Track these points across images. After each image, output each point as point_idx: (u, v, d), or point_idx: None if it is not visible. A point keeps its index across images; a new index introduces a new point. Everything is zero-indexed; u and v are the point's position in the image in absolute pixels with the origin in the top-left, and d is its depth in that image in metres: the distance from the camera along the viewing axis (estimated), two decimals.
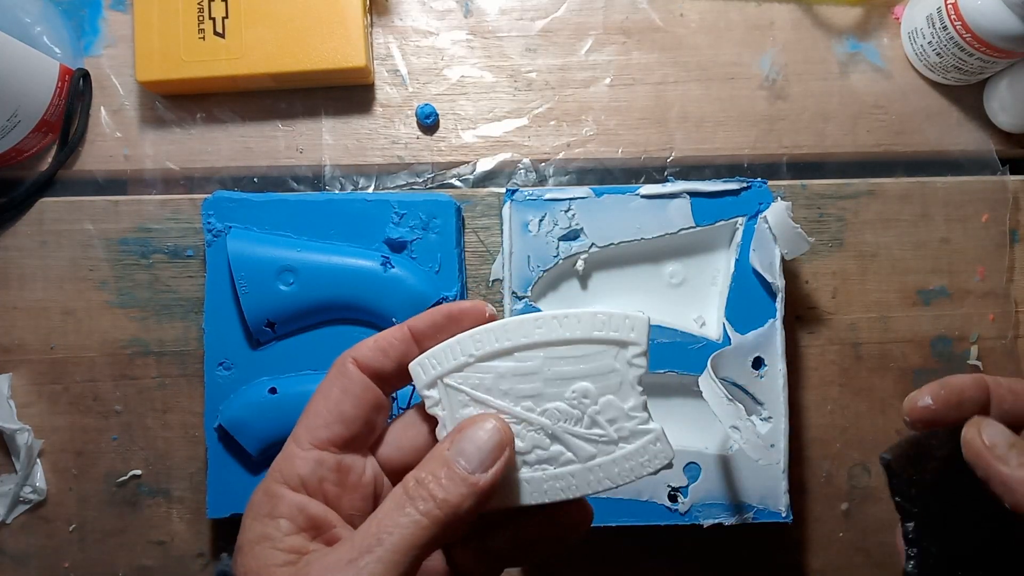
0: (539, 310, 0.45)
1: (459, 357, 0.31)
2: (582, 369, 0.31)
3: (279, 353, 0.45)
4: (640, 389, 0.31)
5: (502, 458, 0.29)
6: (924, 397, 0.31)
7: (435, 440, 0.32)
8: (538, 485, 0.31)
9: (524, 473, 0.31)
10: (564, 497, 0.31)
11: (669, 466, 0.31)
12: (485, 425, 0.30)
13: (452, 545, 0.33)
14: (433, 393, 0.32)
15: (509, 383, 0.31)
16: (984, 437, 0.30)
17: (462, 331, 0.32)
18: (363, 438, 0.32)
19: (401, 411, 0.35)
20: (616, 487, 0.31)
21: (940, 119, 0.50)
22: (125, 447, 0.47)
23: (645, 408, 0.31)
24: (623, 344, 0.31)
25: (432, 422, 0.32)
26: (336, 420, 0.31)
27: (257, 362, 0.45)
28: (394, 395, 0.34)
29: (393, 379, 0.32)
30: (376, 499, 0.32)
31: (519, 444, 0.31)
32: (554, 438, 0.31)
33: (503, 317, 0.45)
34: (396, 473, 0.33)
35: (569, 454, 0.31)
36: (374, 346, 0.32)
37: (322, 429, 0.30)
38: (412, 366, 0.32)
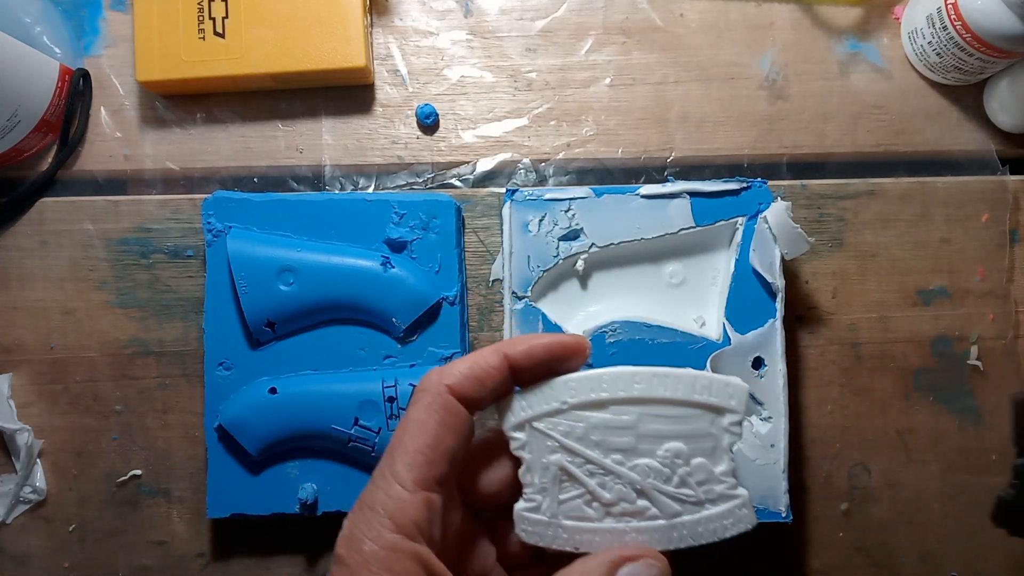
0: (539, 310, 0.45)
1: (552, 403, 0.31)
2: (677, 430, 0.31)
3: (279, 353, 0.45)
4: (732, 455, 0.31)
5: None
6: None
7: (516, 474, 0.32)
8: (619, 536, 0.31)
9: (607, 523, 0.31)
10: None
11: (750, 531, 0.32)
12: (648, 568, 0.29)
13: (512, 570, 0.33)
14: (520, 435, 0.31)
15: (601, 434, 0.31)
16: None
17: (561, 367, 0.31)
18: (458, 472, 0.31)
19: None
20: (696, 545, 0.31)
21: (940, 119, 0.50)
22: (125, 447, 0.47)
23: (734, 474, 0.32)
24: (721, 411, 0.31)
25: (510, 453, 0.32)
26: (441, 457, 0.29)
27: (257, 362, 0.45)
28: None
29: (484, 406, 0.31)
30: (463, 534, 0.32)
31: (605, 496, 0.31)
32: (641, 493, 0.31)
33: (503, 318, 0.46)
34: (479, 502, 0.32)
35: (655, 510, 0.31)
36: (469, 374, 0.30)
37: (426, 468, 0.28)
38: (500, 405, 0.32)
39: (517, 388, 0.32)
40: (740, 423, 0.31)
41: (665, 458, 0.31)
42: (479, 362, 0.30)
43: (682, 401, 0.31)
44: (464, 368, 0.30)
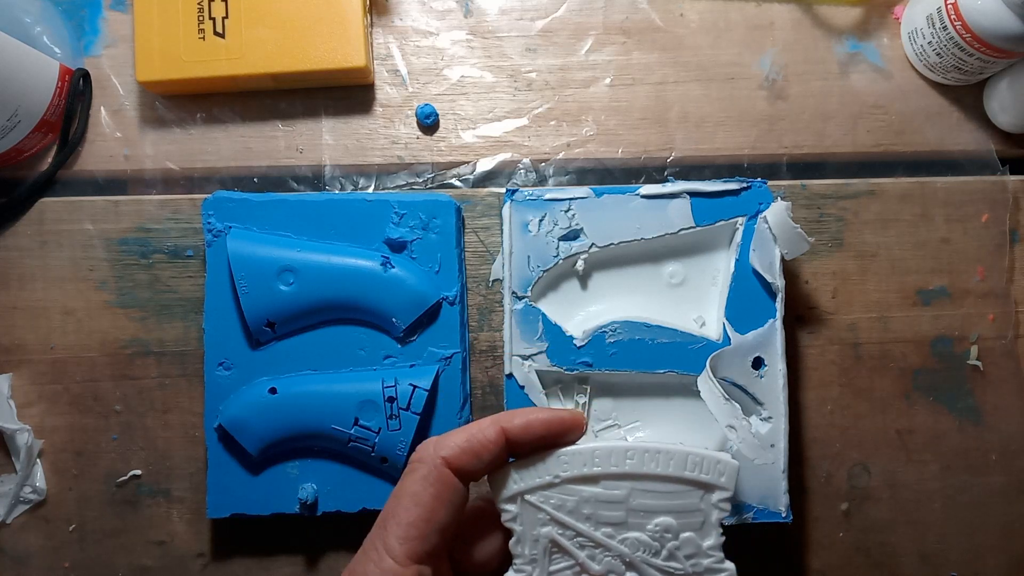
0: (539, 310, 0.45)
1: (544, 476, 0.32)
2: (667, 505, 0.32)
3: (279, 353, 0.45)
4: (720, 531, 0.32)
5: None
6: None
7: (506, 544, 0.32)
8: None
9: None
10: None
11: None
12: None
13: None
14: (512, 508, 0.32)
15: (592, 508, 0.32)
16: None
17: (557, 441, 0.32)
18: (450, 543, 0.31)
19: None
20: None
21: (940, 119, 0.50)
22: (125, 447, 0.47)
23: (721, 548, 0.32)
24: (711, 488, 0.32)
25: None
26: (434, 531, 0.29)
27: (257, 362, 0.45)
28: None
29: (479, 478, 0.32)
30: None
31: (594, 568, 0.32)
32: (630, 566, 0.32)
33: (503, 318, 0.46)
34: (464, 569, 0.33)
35: None
36: (467, 448, 0.30)
37: (418, 541, 0.29)
38: (492, 478, 0.32)
39: (511, 459, 0.33)
40: (729, 500, 0.32)
41: (655, 532, 0.32)
42: (476, 435, 0.30)
43: (673, 478, 0.32)
44: (461, 441, 0.30)
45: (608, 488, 0.32)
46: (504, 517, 0.32)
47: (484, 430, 0.31)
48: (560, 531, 0.32)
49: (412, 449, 0.41)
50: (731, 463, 0.32)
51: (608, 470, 0.32)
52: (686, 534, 0.32)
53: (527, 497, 0.32)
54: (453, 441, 0.30)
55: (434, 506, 0.29)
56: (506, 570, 0.33)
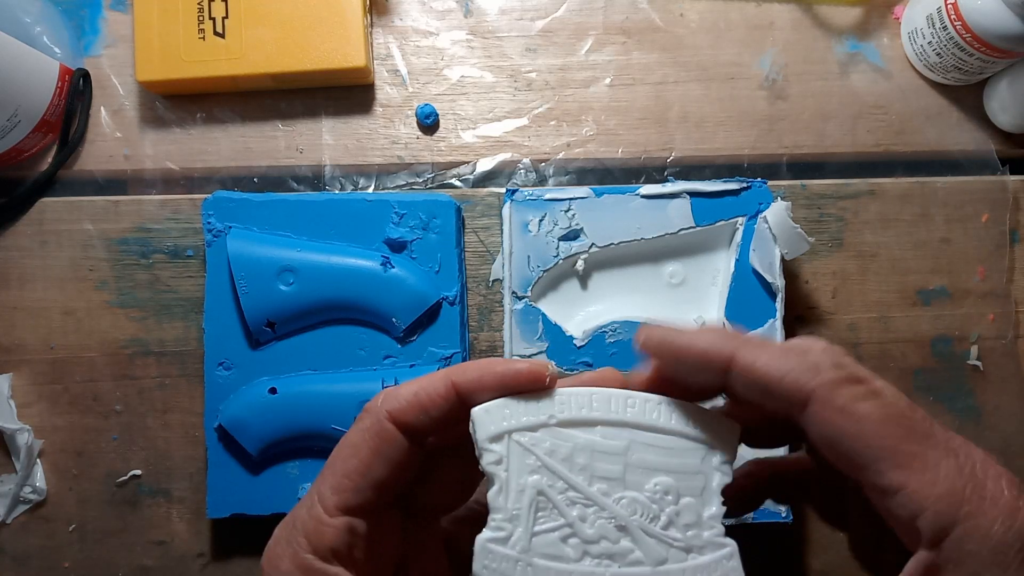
0: (539, 310, 0.45)
1: (537, 415, 0.28)
2: (667, 463, 0.29)
3: (279, 353, 0.45)
4: (722, 499, 0.29)
5: None
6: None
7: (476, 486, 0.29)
8: None
9: (585, 566, 0.28)
10: None
11: None
12: None
13: None
14: (497, 448, 0.28)
15: (587, 458, 0.28)
16: (720, 332, 0.26)
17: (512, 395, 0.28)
18: (393, 496, 0.29)
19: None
20: None
21: (940, 119, 0.50)
22: (125, 447, 0.47)
23: (722, 520, 0.29)
24: (713, 447, 0.29)
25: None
26: (368, 485, 0.28)
27: (257, 362, 0.45)
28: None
29: (429, 434, 0.29)
30: (400, 552, 0.30)
31: (587, 530, 0.28)
32: (624, 531, 0.28)
33: (503, 318, 0.46)
34: (428, 510, 0.31)
35: (638, 554, 0.28)
36: (413, 401, 0.28)
37: (351, 494, 0.28)
38: (477, 412, 0.28)
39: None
40: (730, 463, 0.29)
41: (654, 493, 0.28)
42: (425, 388, 0.28)
43: (676, 432, 0.29)
44: (409, 394, 0.28)
45: (607, 437, 0.28)
46: (486, 459, 0.28)
47: (434, 383, 0.28)
48: (550, 482, 0.28)
49: None
50: (734, 425, 0.29)
51: (608, 416, 0.28)
52: (686, 499, 0.29)
53: (516, 437, 0.28)
54: (401, 394, 0.28)
55: (371, 460, 0.28)
56: (460, 507, 0.29)
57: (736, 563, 0.29)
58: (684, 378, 0.29)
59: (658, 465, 0.29)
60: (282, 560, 0.27)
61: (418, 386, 0.28)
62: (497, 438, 0.28)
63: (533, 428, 0.28)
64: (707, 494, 0.29)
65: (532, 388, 0.28)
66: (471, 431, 0.28)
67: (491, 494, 0.28)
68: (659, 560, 0.28)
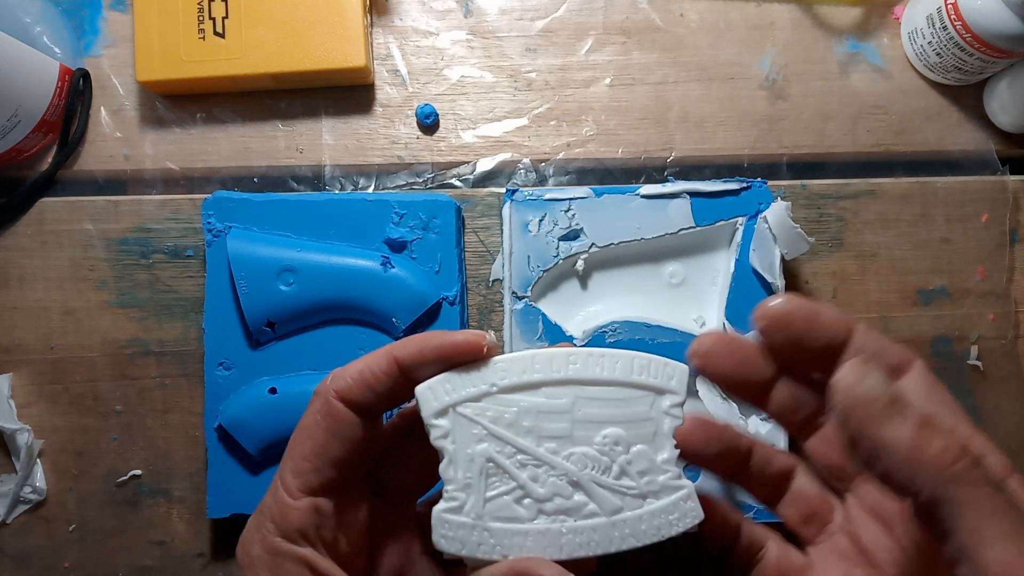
0: (539, 310, 0.45)
1: (479, 385, 0.28)
2: (615, 414, 0.29)
3: (279, 353, 0.45)
4: (674, 442, 0.29)
5: None
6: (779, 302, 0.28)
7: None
8: (554, 539, 0.28)
9: (540, 523, 0.28)
10: (583, 554, 0.28)
11: (696, 529, 0.29)
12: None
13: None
14: (442, 423, 0.28)
15: (533, 420, 0.28)
16: (863, 387, 0.25)
17: (454, 367, 0.29)
18: (355, 474, 0.30)
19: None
20: (639, 546, 0.29)
21: (940, 119, 0.50)
22: (125, 447, 0.47)
23: (677, 463, 0.29)
24: (660, 392, 0.29)
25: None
26: (326, 464, 0.28)
27: (257, 362, 0.45)
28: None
29: (380, 409, 0.30)
30: (371, 530, 0.30)
31: (538, 490, 0.28)
32: (577, 486, 0.28)
33: (503, 318, 0.46)
34: (398, 493, 0.31)
35: (593, 506, 0.29)
36: (359, 379, 0.29)
37: (312, 475, 0.28)
38: (421, 389, 0.29)
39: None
40: (681, 405, 0.29)
41: (603, 445, 0.29)
42: (368, 365, 0.29)
43: (620, 382, 0.29)
44: (354, 372, 0.29)
45: (551, 397, 0.28)
46: (434, 435, 0.28)
47: (377, 360, 0.29)
48: (498, 448, 0.28)
49: None
50: (680, 366, 0.29)
51: (550, 376, 0.28)
52: (637, 447, 0.29)
53: (459, 409, 0.28)
54: (347, 373, 0.29)
55: (326, 440, 0.28)
56: (432, 485, 0.30)
57: (694, 503, 0.29)
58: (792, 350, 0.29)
59: (605, 417, 0.29)
60: (252, 546, 0.28)
61: (363, 364, 0.29)
62: (441, 413, 0.28)
63: (476, 399, 0.28)
64: (659, 439, 0.29)
65: (471, 358, 0.28)
66: (418, 409, 0.29)
67: (442, 467, 0.28)
68: (614, 510, 0.28)
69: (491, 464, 0.28)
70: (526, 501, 0.28)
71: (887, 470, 0.24)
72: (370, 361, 0.29)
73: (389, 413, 0.36)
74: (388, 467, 0.32)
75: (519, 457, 0.28)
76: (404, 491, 0.32)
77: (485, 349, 0.29)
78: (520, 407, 0.28)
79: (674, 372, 0.29)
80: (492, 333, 0.29)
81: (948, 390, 0.28)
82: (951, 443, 0.24)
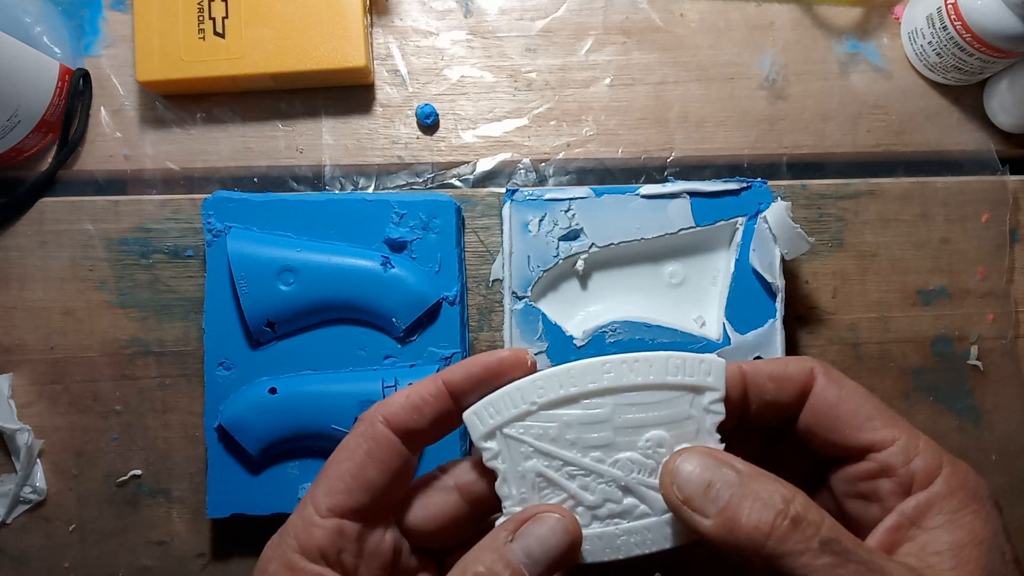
0: (539, 310, 0.45)
1: (520, 405, 0.29)
2: (655, 416, 0.29)
3: (279, 353, 0.45)
4: (718, 437, 0.29)
5: (570, 560, 0.28)
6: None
7: (469, 511, 0.30)
8: (611, 541, 0.29)
9: (595, 528, 0.29)
10: (639, 552, 0.29)
11: None
12: (550, 522, 0.28)
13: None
14: (492, 445, 0.29)
15: (576, 432, 0.29)
16: (678, 485, 0.27)
17: (503, 384, 0.30)
18: (387, 504, 0.30)
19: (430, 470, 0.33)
20: (695, 541, 0.29)
21: (940, 119, 0.50)
22: (125, 447, 0.47)
23: None
24: (699, 390, 0.29)
25: (488, 474, 0.30)
26: (360, 487, 0.28)
27: (257, 362, 0.45)
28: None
29: (427, 438, 0.30)
30: (394, 568, 0.30)
31: (589, 498, 0.29)
32: (627, 490, 0.29)
33: (503, 318, 0.46)
34: (418, 538, 0.31)
35: (644, 507, 0.29)
36: (407, 403, 0.29)
37: (343, 495, 0.28)
38: (468, 415, 0.30)
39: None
40: (722, 400, 0.29)
41: (647, 448, 0.29)
42: (417, 391, 0.29)
43: (657, 385, 0.29)
44: (401, 398, 0.29)
45: (590, 408, 0.29)
46: (485, 457, 0.29)
47: (425, 385, 0.30)
48: (546, 463, 0.29)
49: None
50: (717, 361, 0.29)
51: (587, 388, 0.29)
52: (681, 446, 0.29)
53: (505, 430, 0.29)
54: (395, 399, 0.29)
55: (365, 462, 0.28)
56: (458, 541, 0.30)
57: None
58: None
59: (646, 421, 0.29)
60: (271, 561, 0.28)
61: (411, 390, 0.30)
62: (489, 436, 0.29)
63: (519, 418, 0.29)
64: (701, 436, 0.30)
65: (519, 373, 0.30)
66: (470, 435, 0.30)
67: (497, 485, 0.29)
68: (664, 508, 0.29)
69: (541, 479, 0.29)
70: (579, 509, 0.29)
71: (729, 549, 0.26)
72: (418, 387, 0.30)
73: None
74: (419, 516, 0.31)
75: (567, 469, 0.29)
76: (427, 540, 0.32)
77: (529, 362, 0.30)
78: (562, 421, 0.29)
79: (711, 368, 0.30)
80: (531, 353, 0.30)
81: (860, 385, 0.30)
82: (764, 514, 0.25)
